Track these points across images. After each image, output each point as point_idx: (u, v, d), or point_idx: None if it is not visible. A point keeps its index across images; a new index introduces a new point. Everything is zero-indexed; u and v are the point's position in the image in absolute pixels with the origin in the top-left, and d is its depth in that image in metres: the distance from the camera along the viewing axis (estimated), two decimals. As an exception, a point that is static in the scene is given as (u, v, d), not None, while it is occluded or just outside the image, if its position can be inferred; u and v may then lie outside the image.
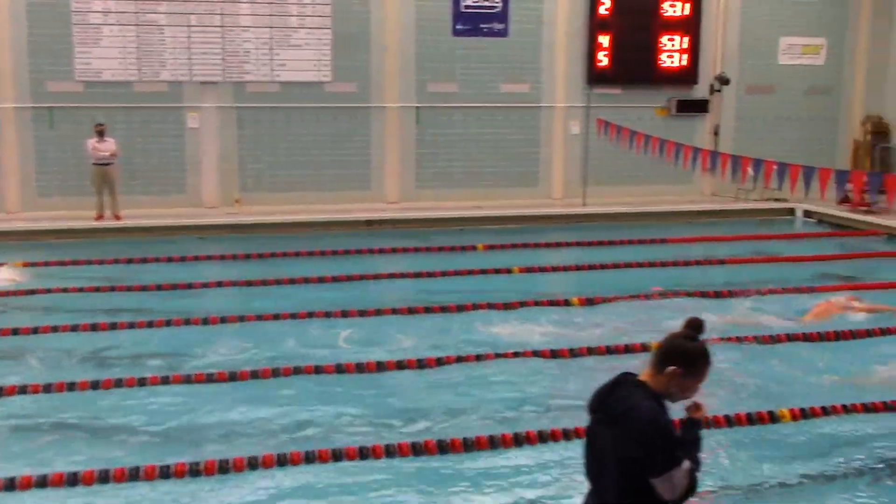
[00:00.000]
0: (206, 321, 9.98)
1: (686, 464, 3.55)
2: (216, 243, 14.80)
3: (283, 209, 16.95)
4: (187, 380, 8.12)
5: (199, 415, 7.49)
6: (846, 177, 14.16)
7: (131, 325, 9.83)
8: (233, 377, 8.16)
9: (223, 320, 9.99)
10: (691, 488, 3.58)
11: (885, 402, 7.58)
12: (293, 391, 7.97)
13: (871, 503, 6.17)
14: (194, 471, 6.30)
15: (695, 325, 3.85)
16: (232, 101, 17.45)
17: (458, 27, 18.15)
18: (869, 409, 7.52)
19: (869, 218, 16.68)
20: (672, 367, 3.67)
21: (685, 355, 3.71)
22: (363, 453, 6.60)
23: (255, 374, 8.24)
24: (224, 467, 6.35)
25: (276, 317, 10.07)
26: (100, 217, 15.89)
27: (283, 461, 6.45)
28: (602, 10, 18.57)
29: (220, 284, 11.83)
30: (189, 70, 17.16)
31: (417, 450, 6.67)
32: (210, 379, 8.13)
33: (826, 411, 7.41)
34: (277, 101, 17.59)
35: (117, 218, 15.91)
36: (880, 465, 6.68)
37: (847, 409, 7.46)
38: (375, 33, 17.86)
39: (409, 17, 17.94)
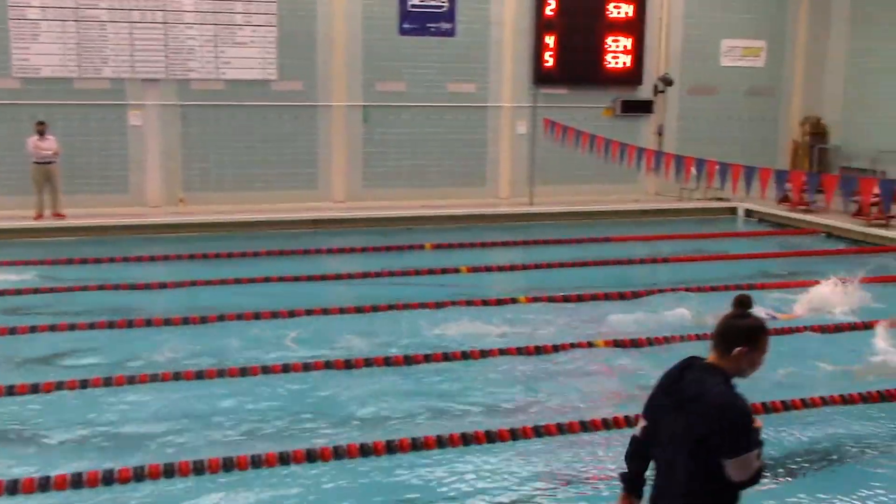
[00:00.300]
0: (149, 322, 9.84)
1: (757, 449, 3.64)
2: (160, 243, 14.58)
3: (229, 209, 16.77)
4: (130, 381, 7.99)
5: (144, 417, 7.37)
6: (786, 177, 14.46)
7: (72, 327, 9.64)
8: (177, 377, 8.05)
9: (167, 322, 9.85)
10: (758, 474, 3.67)
11: (838, 396, 7.78)
12: (239, 392, 7.88)
13: (828, 496, 6.30)
14: (139, 475, 6.19)
15: (744, 302, 3.90)
16: (176, 99, 17.20)
17: (405, 26, 18.13)
18: (827, 402, 7.72)
19: (808, 217, 17.09)
20: (738, 348, 3.75)
21: (746, 333, 3.79)
22: (311, 455, 6.55)
23: (199, 375, 8.14)
24: (169, 471, 6.25)
25: (221, 318, 9.96)
26: (39, 216, 15.54)
27: (228, 465, 6.37)
28: (548, 11, 18.71)
29: (163, 285, 11.65)
30: (131, 67, 16.87)
31: (366, 451, 6.65)
32: (154, 379, 8.01)
33: (786, 406, 7.59)
34: (222, 100, 17.38)
35: (59, 216, 15.58)
36: (832, 459, 6.85)
37: (806, 404, 7.67)
38: (322, 31, 17.76)
39: (356, 15, 17.87)
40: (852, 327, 10.01)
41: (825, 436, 7.21)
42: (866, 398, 7.82)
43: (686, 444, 3.69)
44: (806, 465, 6.76)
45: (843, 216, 16.41)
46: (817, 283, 11.23)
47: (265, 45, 17.44)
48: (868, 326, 9.82)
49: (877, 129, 18.88)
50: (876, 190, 12.78)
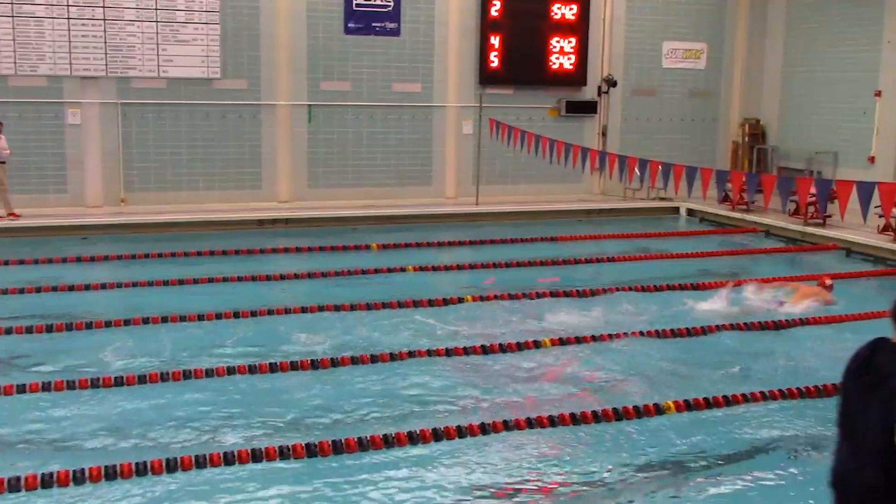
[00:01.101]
0: (90, 325, 9.65)
1: None
2: (101, 244, 14.30)
3: (172, 209, 16.53)
4: (70, 386, 7.82)
5: (83, 420, 7.23)
6: (726, 177, 14.75)
7: (8, 331, 9.39)
8: (119, 382, 7.90)
9: (108, 324, 9.67)
10: None
11: (781, 391, 7.95)
12: (183, 395, 7.78)
13: (757, 492, 6.43)
14: (78, 478, 6.07)
15: None
16: (116, 97, 16.87)
17: (350, 25, 18.06)
18: (767, 397, 7.90)
19: (748, 216, 17.44)
20: None
21: None
22: (256, 455, 6.49)
23: (142, 379, 8.00)
24: (110, 473, 6.14)
25: (165, 319, 9.82)
26: (13, 215, 15.22)
27: (172, 466, 6.28)
28: (493, 12, 18.80)
29: (104, 286, 11.44)
30: (69, 64, 16.51)
31: (311, 451, 6.61)
32: (95, 384, 7.85)
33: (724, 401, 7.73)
34: (164, 98, 17.11)
35: (13, 217, 15.20)
36: (769, 453, 6.99)
37: (748, 399, 7.83)
38: (265, 29, 17.60)
39: (300, 13, 17.75)
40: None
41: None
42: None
43: (877, 420, 3.68)
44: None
45: (782, 215, 16.79)
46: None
47: (208, 43, 17.22)
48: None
49: (812, 131, 19.36)
50: (812, 189, 13.10)
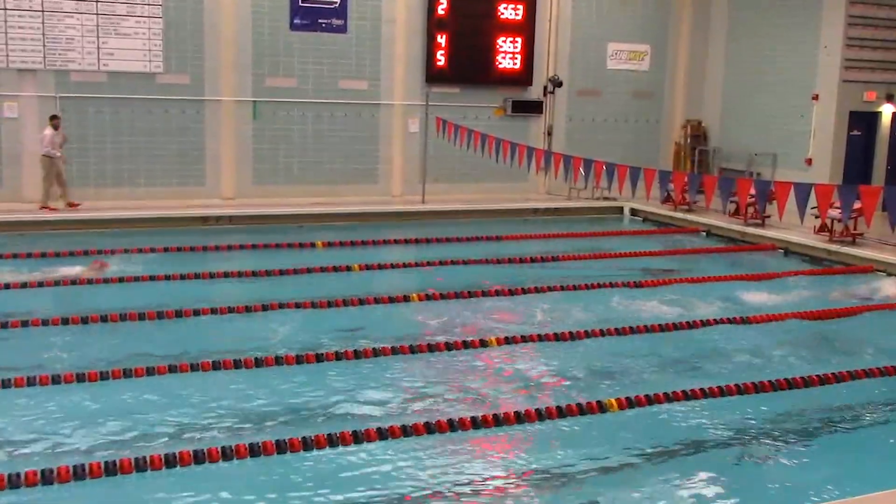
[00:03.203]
0: (26, 323, 9.42)
1: None
2: (37, 241, 13.96)
3: (112, 205, 16.21)
4: (5, 384, 7.64)
5: (27, 421, 7.06)
6: (669, 177, 14.94)
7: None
8: (56, 380, 7.73)
9: (45, 322, 9.45)
10: None
11: (718, 388, 8.08)
12: (124, 394, 7.64)
13: (697, 486, 6.53)
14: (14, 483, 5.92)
15: None
16: (54, 91, 16.49)
17: (296, 21, 17.91)
18: (700, 394, 8.01)
19: (689, 216, 17.72)
20: None
21: None
22: (198, 457, 6.40)
23: (80, 378, 7.84)
24: (48, 477, 6.00)
25: (104, 318, 9.62)
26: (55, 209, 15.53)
27: (111, 470, 6.16)
28: (440, 11, 18.80)
29: (41, 284, 11.17)
30: (5, 56, 16.09)
31: (255, 450, 6.54)
32: (32, 383, 7.68)
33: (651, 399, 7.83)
34: (104, 92, 16.77)
35: (48, 210, 15.46)
36: (706, 449, 7.11)
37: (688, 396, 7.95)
38: (209, 24, 17.36)
39: (244, 8, 17.54)
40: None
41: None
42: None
43: None
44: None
45: (723, 215, 17.10)
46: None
47: (150, 37, 16.92)
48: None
49: (752, 133, 19.75)
50: (752, 190, 13.35)
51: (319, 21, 18.07)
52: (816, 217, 14.63)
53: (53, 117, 15.86)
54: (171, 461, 6.32)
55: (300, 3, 17.85)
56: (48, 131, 15.74)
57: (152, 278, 11.54)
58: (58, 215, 15.44)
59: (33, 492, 5.91)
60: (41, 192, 15.78)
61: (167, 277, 11.62)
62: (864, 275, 13.48)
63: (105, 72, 16.73)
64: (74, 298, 10.69)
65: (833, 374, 8.59)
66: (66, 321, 9.51)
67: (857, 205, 12.04)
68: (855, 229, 14.79)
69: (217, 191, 17.77)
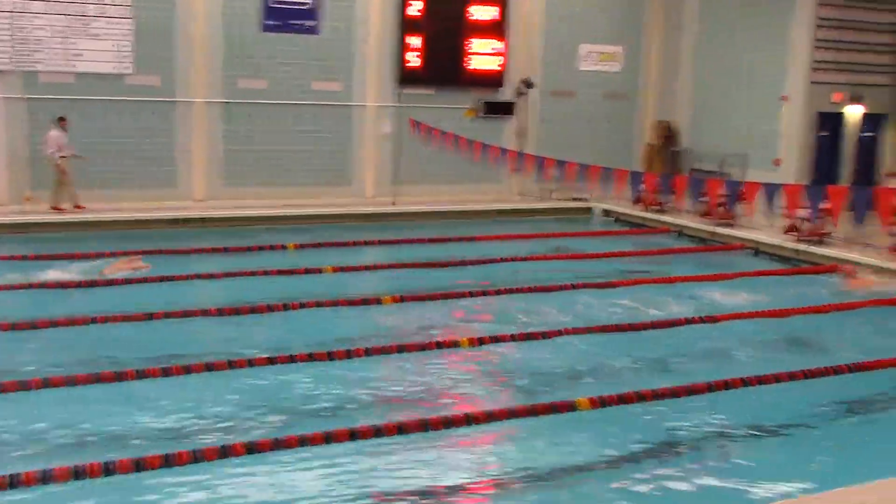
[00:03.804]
0: (-8, 327, 9.32)
1: None
2: (2, 244, 13.79)
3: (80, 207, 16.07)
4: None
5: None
6: (640, 178, 15.03)
7: None
8: (23, 386, 7.65)
9: (14, 327, 9.34)
10: None
11: (687, 386, 8.15)
12: (91, 398, 7.57)
13: (667, 484, 6.59)
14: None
15: None
16: (22, 92, 16.31)
17: (268, 22, 17.83)
18: (669, 392, 8.06)
19: (661, 216, 17.84)
20: None
21: None
22: (168, 460, 6.36)
23: (46, 384, 7.76)
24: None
25: (72, 322, 9.53)
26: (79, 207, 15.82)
27: (80, 473, 6.10)
28: (413, 12, 18.80)
29: (10, 287, 11.04)
30: (-28, 57, 15.91)
31: (224, 452, 6.50)
32: (2, 389, 7.60)
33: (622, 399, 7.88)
34: (73, 93, 16.62)
35: (79, 209, 15.62)
36: (675, 446, 7.17)
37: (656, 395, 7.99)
38: (180, 25, 17.24)
39: (216, 9, 17.45)
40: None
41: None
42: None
43: None
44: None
45: (693, 216, 17.24)
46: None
47: (120, 38, 16.78)
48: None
49: (723, 134, 19.92)
50: (722, 191, 13.47)
51: (291, 22, 18.01)
52: (785, 217, 14.80)
53: (61, 119, 15.91)
54: (140, 466, 6.27)
55: (271, 5, 17.78)
56: (54, 132, 15.73)
57: (127, 281, 11.43)
58: (24, 218, 15.26)
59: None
60: (51, 193, 15.92)
61: (137, 280, 11.52)
62: (831, 274, 13.64)
63: (74, 73, 16.58)
64: (37, 304, 10.56)
65: (802, 371, 8.69)
66: (34, 326, 9.41)
67: (824, 205, 12.19)
68: (822, 229, 14.97)
69: (188, 193, 17.66)
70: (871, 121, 18.85)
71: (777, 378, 8.49)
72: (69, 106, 16.56)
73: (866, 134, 18.93)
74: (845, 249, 14.40)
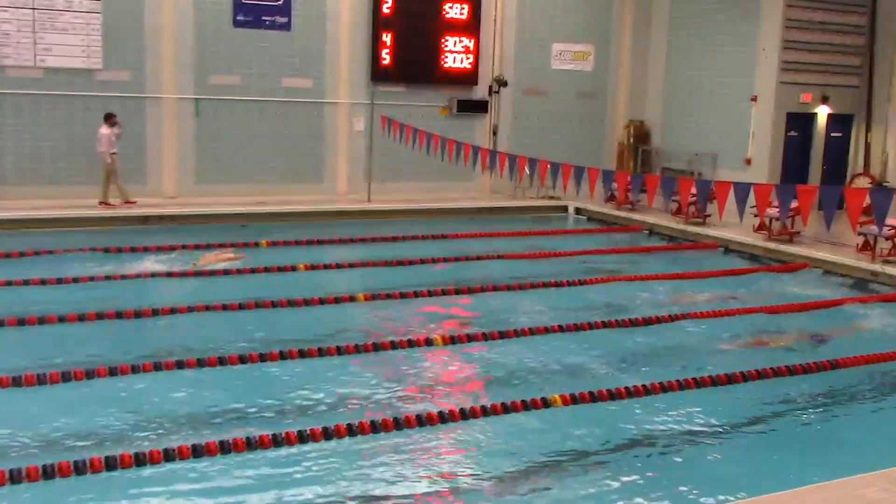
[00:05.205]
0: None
1: None
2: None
3: (49, 203, 15.83)
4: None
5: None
6: (612, 177, 15.08)
7: None
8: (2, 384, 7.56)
9: None
10: None
11: (659, 384, 8.20)
12: (62, 396, 7.48)
13: (639, 481, 6.63)
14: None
15: None
16: (-11, 87, 16.09)
17: (239, 18, 17.70)
18: (642, 390, 8.12)
19: (632, 215, 17.95)
20: None
21: None
22: (139, 459, 6.30)
23: (16, 382, 7.67)
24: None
25: (21, 322, 9.38)
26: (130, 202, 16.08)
27: (49, 472, 6.03)
28: (385, 9, 18.75)
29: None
30: (-63, 51, 15.65)
31: (198, 451, 6.46)
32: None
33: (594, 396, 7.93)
34: (41, 88, 16.39)
35: (130, 203, 15.96)
36: (648, 444, 7.22)
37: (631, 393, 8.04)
38: (150, 20, 17.06)
39: (186, 4, 17.28)
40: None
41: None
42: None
43: None
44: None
45: (665, 214, 17.36)
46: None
47: (89, 33, 16.57)
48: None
49: (693, 133, 20.09)
50: (693, 190, 13.56)
51: (263, 18, 17.89)
52: (755, 216, 14.94)
53: (109, 115, 15.94)
54: (111, 464, 6.22)
55: (243, 0, 17.65)
56: (105, 129, 15.80)
57: (92, 279, 11.31)
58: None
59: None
60: (101, 188, 16.01)
61: (107, 278, 11.40)
62: (799, 272, 13.79)
63: (42, 67, 16.35)
64: (9, 299, 10.42)
65: (772, 368, 8.79)
66: (1, 323, 9.29)
67: (794, 204, 12.31)
68: (792, 228, 15.13)
69: (159, 189, 17.49)
70: (839, 121, 19.09)
71: (746, 376, 8.58)
72: (37, 101, 16.33)
73: (835, 134, 19.18)
74: (814, 248, 14.57)
